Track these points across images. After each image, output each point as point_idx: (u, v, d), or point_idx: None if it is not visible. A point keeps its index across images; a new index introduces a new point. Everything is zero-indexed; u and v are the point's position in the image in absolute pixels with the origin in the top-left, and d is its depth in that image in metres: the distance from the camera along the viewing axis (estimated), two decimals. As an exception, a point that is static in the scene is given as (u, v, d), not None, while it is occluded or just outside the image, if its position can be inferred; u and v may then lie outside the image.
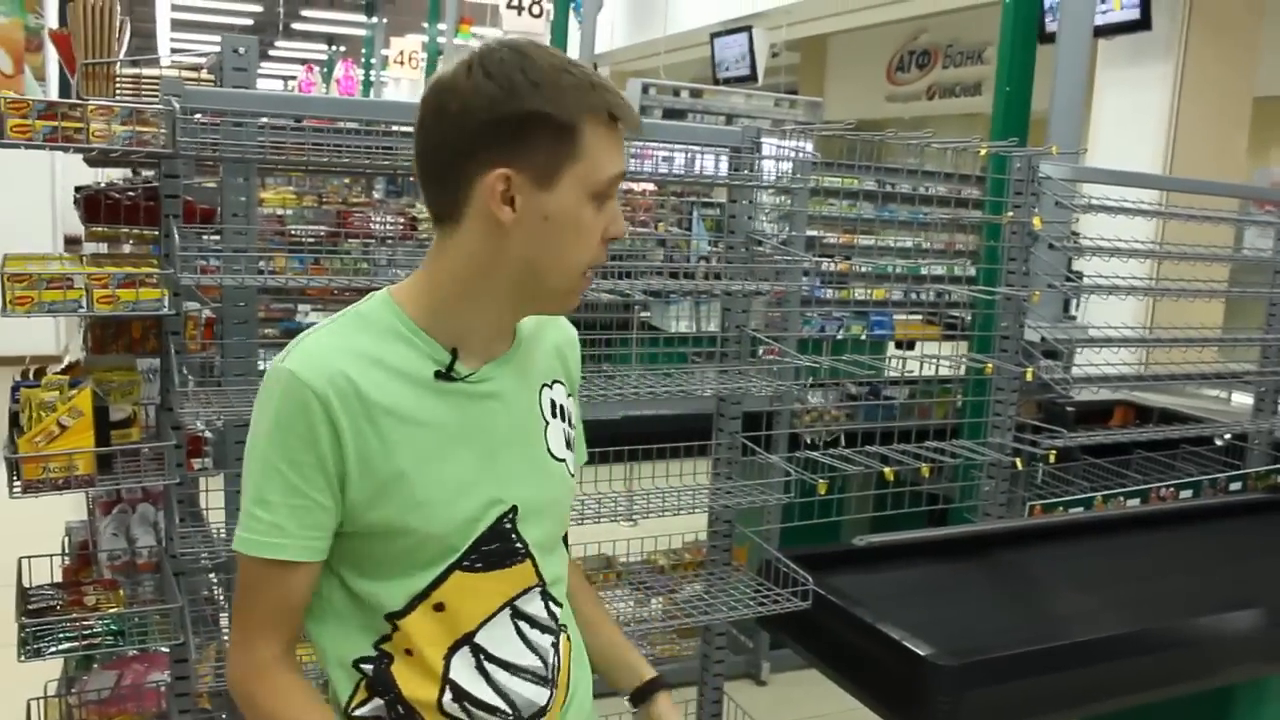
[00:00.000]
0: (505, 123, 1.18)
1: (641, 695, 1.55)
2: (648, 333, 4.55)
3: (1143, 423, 4.05)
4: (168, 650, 2.40)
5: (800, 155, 3.32)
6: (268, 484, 1.20)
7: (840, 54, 15.44)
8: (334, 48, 25.34)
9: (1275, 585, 2.55)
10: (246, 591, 1.26)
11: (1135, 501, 3.44)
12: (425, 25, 18.79)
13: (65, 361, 2.70)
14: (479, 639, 1.30)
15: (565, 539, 1.47)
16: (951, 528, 2.99)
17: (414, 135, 1.24)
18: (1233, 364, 4.17)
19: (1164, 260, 4.66)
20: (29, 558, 2.50)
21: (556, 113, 1.18)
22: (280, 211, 4.69)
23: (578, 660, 1.45)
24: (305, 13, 21.69)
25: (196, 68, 2.94)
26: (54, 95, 4.18)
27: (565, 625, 1.41)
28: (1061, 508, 3.19)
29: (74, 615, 2.28)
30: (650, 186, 5.76)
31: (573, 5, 13.29)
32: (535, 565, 1.34)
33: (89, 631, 2.26)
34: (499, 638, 1.31)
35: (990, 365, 3.15)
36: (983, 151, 3.23)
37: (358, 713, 1.30)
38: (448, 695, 1.28)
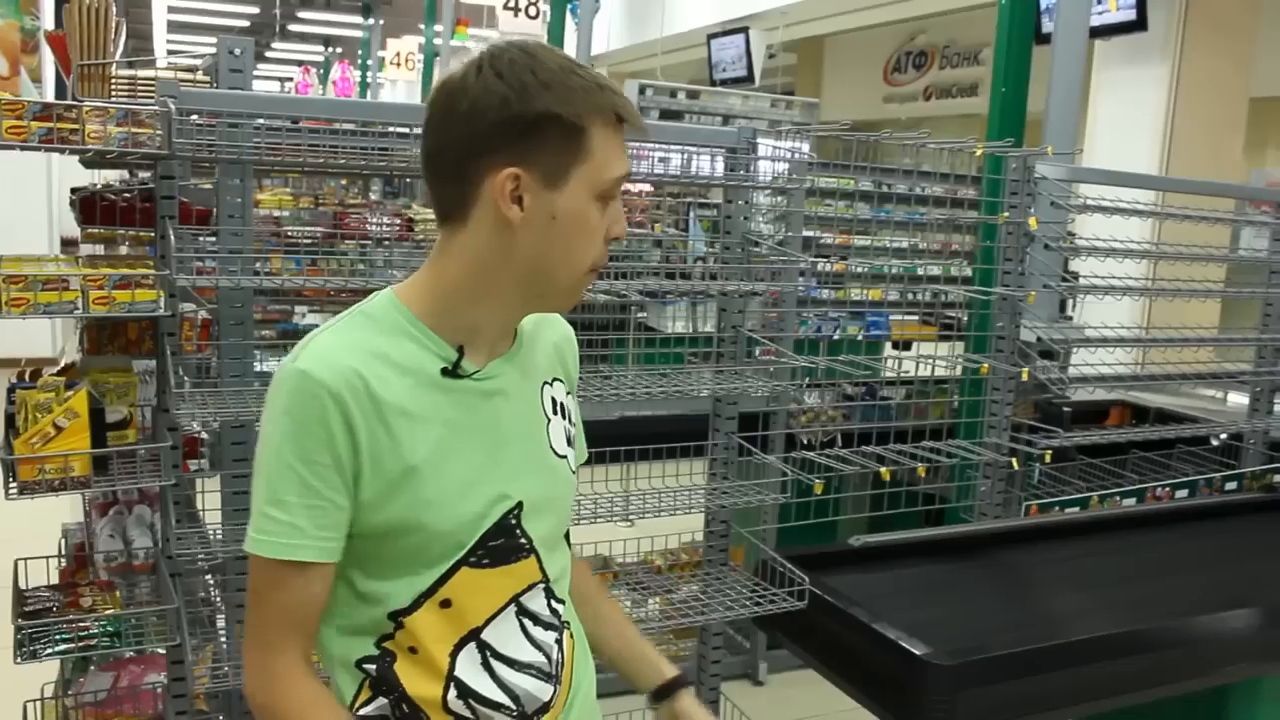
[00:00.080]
0: (516, 122, 1.19)
1: (663, 693, 1.56)
2: (644, 333, 4.55)
3: (1139, 423, 4.06)
4: (164, 652, 2.40)
5: (796, 156, 3.33)
6: (283, 484, 1.19)
7: (837, 55, 15.44)
8: (330, 49, 25.33)
9: (1270, 585, 2.56)
10: (261, 596, 1.24)
11: (1131, 501, 3.44)
12: (422, 27, 18.79)
13: (61, 363, 2.70)
14: (485, 635, 1.30)
15: (568, 537, 1.48)
16: (948, 528, 2.99)
17: (422, 133, 1.25)
18: (1228, 364, 4.18)
19: (1159, 260, 4.66)
20: (25, 559, 2.50)
21: (566, 114, 1.20)
22: (277, 213, 4.69)
23: (581, 657, 1.45)
24: (302, 14, 21.67)
25: (192, 69, 2.94)
26: (50, 97, 4.18)
27: (568, 622, 1.41)
28: (1058, 507, 3.19)
29: (70, 617, 2.28)
30: (647, 187, 5.76)
31: (569, 7, 13.30)
32: (539, 561, 1.34)
33: (85, 633, 2.25)
34: (504, 634, 1.31)
35: (986, 365, 3.15)
36: (978, 152, 3.23)
37: (362, 712, 1.29)
38: (453, 692, 1.28)
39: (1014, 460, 3.11)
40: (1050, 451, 3.17)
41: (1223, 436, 3.90)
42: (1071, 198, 3.36)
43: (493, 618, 1.31)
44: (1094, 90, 7.64)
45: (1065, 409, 3.65)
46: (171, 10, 17.66)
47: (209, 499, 2.63)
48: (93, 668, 2.64)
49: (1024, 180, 3.19)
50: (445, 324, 1.27)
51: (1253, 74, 7.61)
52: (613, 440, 2.76)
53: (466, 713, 1.29)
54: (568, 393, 1.46)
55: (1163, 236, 4.96)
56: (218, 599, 2.72)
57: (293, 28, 22.90)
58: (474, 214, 1.23)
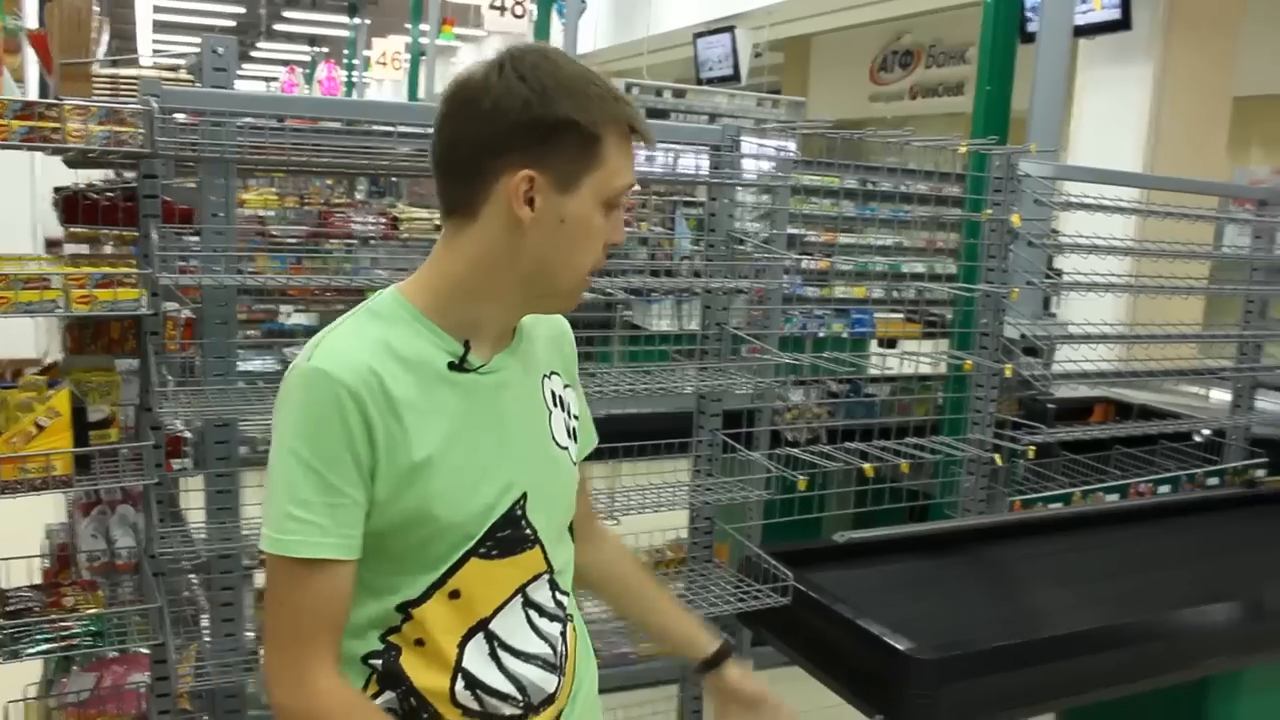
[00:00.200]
0: (537, 126, 1.22)
1: (710, 665, 1.60)
2: (630, 331, 4.56)
3: (1123, 419, 4.08)
4: (148, 651, 2.39)
5: (781, 154, 3.33)
6: (304, 483, 1.20)
7: (824, 54, 15.46)
8: (316, 48, 25.26)
9: (1250, 580, 2.58)
10: (285, 598, 1.23)
11: (1114, 497, 3.46)
12: (408, 26, 18.75)
13: (44, 363, 2.69)
14: (493, 626, 1.32)
15: (571, 531, 1.49)
16: (931, 523, 3.00)
17: (436, 127, 1.27)
18: (1211, 360, 4.20)
19: (1142, 257, 4.68)
20: (7, 559, 2.49)
21: (584, 121, 1.23)
22: (262, 213, 4.67)
23: (583, 651, 1.48)
24: (288, 14, 21.61)
25: (175, 68, 2.94)
26: (34, 97, 4.16)
27: (572, 615, 1.44)
28: (1041, 503, 3.21)
29: (52, 616, 2.28)
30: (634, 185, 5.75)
31: (556, 6, 13.29)
32: (544, 552, 1.37)
33: (67, 633, 2.25)
34: (511, 625, 1.33)
35: (969, 362, 3.16)
36: (962, 149, 3.24)
37: None
38: (460, 683, 1.30)
39: (997, 456, 3.12)
40: (1034, 448, 3.18)
41: (1205, 432, 3.92)
42: (1055, 195, 3.37)
43: (500, 608, 1.33)
44: (1079, 89, 7.66)
45: (1050, 406, 3.67)
46: (157, 10, 17.57)
47: (193, 498, 2.62)
48: (75, 668, 2.63)
49: (1007, 178, 3.21)
50: (450, 319, 1.29)
51: (1236, 73, 7.64)
52: (598, 438, 2.76)
53: (474, 704, 1.31)
54: (566, 385, 1.48)
55: (1146, 234, 4.97)
56: (202, 598, 2.71)
57: (278, 27, 22.83)
58: (484, 211, 1.26)
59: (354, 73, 23.11)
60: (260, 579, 3.34)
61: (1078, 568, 2.66)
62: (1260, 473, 3.77)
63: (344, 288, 2.73)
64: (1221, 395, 4.16)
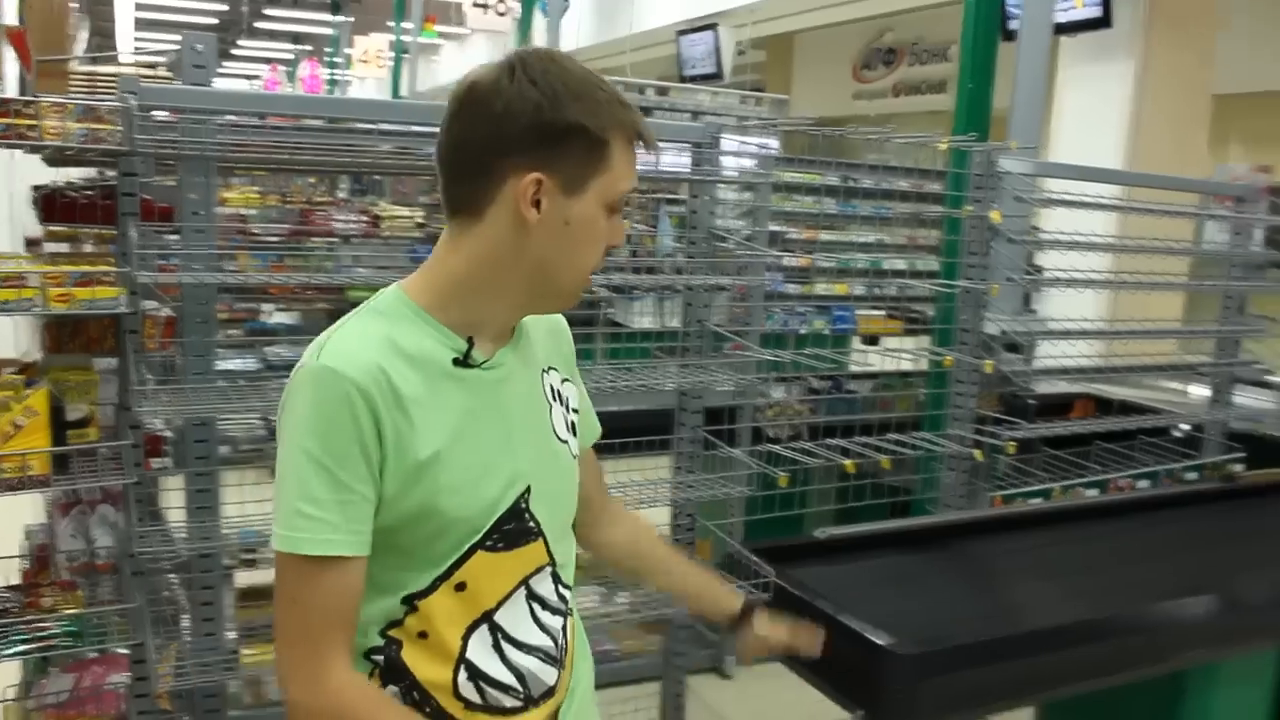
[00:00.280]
0: (547, 129, 1.24)
1: (739, 621, 1.69)
2: (612, 329, 4.56)
3: (1103, 414, 4.10)
4: (127, 652, 2.38)
5: (763, 151, 3.34)
6: (315, 481, 1.21)
7: (807, 52, 15.49)
8: (299, 46, 25.18)
9: (1227, 574, 2.59)
10: (298, 596, 1.24)
11: (1094, 492, 3.48)
12: (390, 24, 18.71)
13: (21, 362, 2.67)
14: (497, 617, 1.34)
15: (573, 525, 1.52)
16: (912, 519, 3.01)
17: (444, 127, 1.28)
18: (1189, 356, 4.23)
19: (1123, 254, 4.71)
20: (-14, 560, 2.48)
21: (593, 126, 1.25)
22: (244, 211, 4.65)
23: (580, 646, 1.51)
24: (270, 11, 21.53)
25: (154, 65, 2.93)
26: (11, 94, 4.13)
27: (572, 609, 1.46)
28: (1021, 498, 3.22)
29: (30, 617, 2.26)
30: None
31: (539, 4, 13.27)
32: (546, 544, 1.39)
33: (45, 633, 2.24)
34: (514, 617, 1.35)
35: (949, 358, 3.17)
36: (943, 146, 3.25)
37: None
38: (463, 675, 1.31)
39: (976, 452, 3.13)
40: (1014, 443, 3.19)
41: (1184, 427, 3.94)
42: (1036, 192, 3.39)
43: (504, 600, 1.34)
44: (1060, 86, 7.70)
45: (1030, 402, 3.68)
46: (139, 7, 17.46)
47: (173, 497, 2.61)
48: (54, 669, 2.62)
49: (988, 174, 3.22)
50: (453, 317, 1.31)
51: (1216, 71, 7.68)
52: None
53: (475, 696, 1.32)
54: (565, 379, 1.50)
55: (1128, 230, 4.99)
56: (182, 598, 2.70)
57: (261, 25, 22.75)
58: (490, 211, 1.27)
59: (336, 70, 23.04)
60: (241, 578, 3.34)
61: (1057, 562, 2.66)
62: (1238, 467, 3.80)
63: (325, 286, 2.73)
64: (1200, 391, 4.18)
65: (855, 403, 3.80)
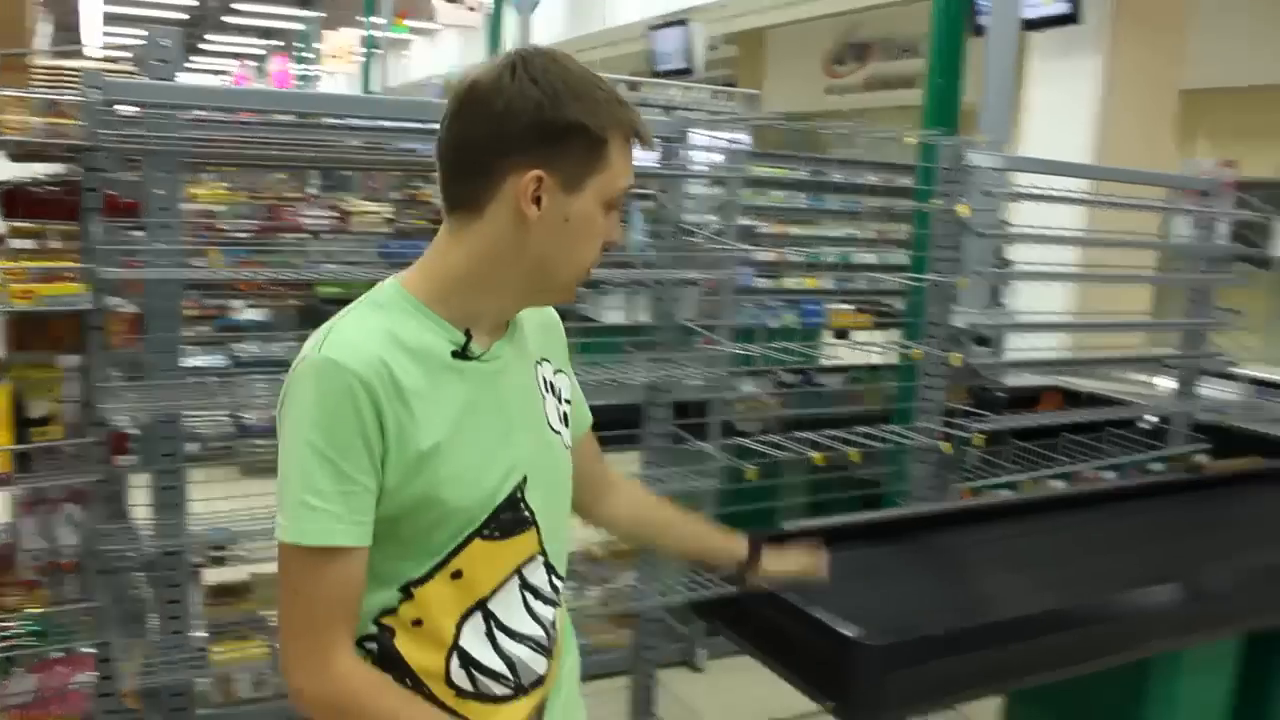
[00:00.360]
0: (549, 128, 1.26)
1: (749, 563, 1.77)
2: (581, 323, 4.55)
3: (1071, 407, 4.13)
4: (92, 651, 2.36)
5: (733, 146, 3.34)
6: (319, 473, 1.22)
7: (778, 47, 15.50)
8: (269, 41, 25.00)
9: (1191, 563, 2.62)
10: (301, 587, 1.26)
11: (1061, 483, 3.51)
12: (360, 19, 18.61)
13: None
14: (491, 605, 1.36)
15: (579, 504, 1.58)
16: (881, 511, 3.02)
17: (444, 125, 1.30)
18: (1157, 349, 4.26)
19: (1091, 247, 4.74)
20: (-52, 560, 2.45)
21: (593, 125, 1.28)
22: (213, 207, 4.61)
23: (568, 637, 1.53)
24: (240, 6, 21.36)
25: (119, 59, 2.90)
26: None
27: (562, 601, 1.48)
28: (989, 490, 3.24)
29: (-7, 617, 2.24)
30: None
31: (511, -1, 13.24)
32: (539, 534, 1.40)
33: (8, 633, 2.22)
34: (507, 605, 1.38)
35: (918, 351, 3.19)
36: (910, 140, 3.27)
37: None
38: (455, 662, 1.34)
39: (943, 445, 3.15)
40: (983, 436, 3.21)
41: (1150, 419, 3.97)
42: (1006, 186, 3.40)
43: (498, 589, 1.37)
44: (1030, 81, 7.74)
45: (1000, 394, 3.70)
46: (108, 1, 17.33)
47: (139, 495, 2.59)
48: (19, 670, 2.59)
49: (956, 169, 3.23)
50: (452, 310, 1.33)
51: (1183, 67, 7.74)
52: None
53: (467, 684, 1.35)
54: (557, 370, 1.52)
55: (1097, 225, 5.04)
56: (149, 596, 2.68)
57: (231, 20, 22.57)
58: (490, 207, 1.29)
59: (307, 66, 22.89)
60: (210, 576, 3.33)
61: (1025, 553, 2.68)
62: (1202, 458, 3.84)
63: (293, 281, 2.71)
64: (1167, 383, 4.22)
65: (825, 396, 3.81)
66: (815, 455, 2.94)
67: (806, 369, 4.03)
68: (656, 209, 2.89)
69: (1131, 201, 3.77)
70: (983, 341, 3.46)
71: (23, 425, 2.26)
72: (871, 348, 3.36)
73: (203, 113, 2.84)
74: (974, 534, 2.76)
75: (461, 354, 1.32)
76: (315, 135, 3.23)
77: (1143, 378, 4.50)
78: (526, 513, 1.38)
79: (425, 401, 1.27)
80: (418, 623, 1.32)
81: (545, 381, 1.48)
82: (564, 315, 1.61)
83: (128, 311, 2.58)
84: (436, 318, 1.32)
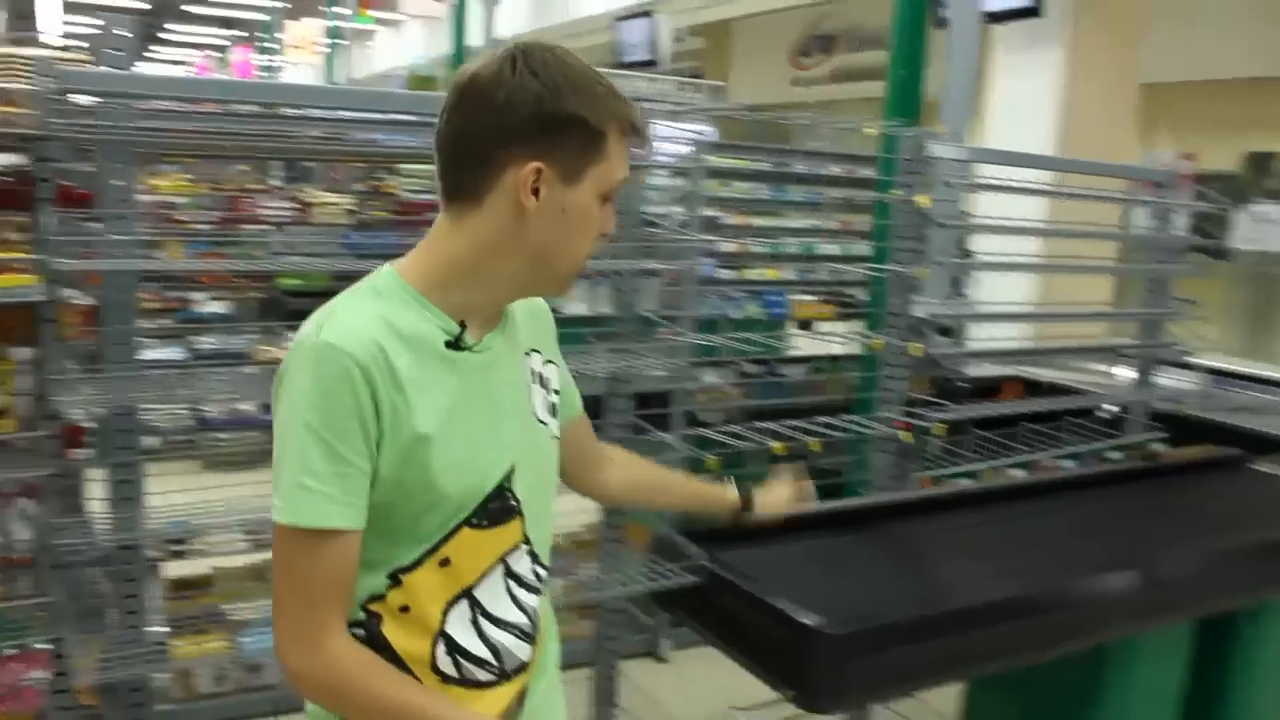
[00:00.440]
0: (549, 120, 1.28)
1: (743, 508, 1.94)
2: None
3: (1032, 397, 4.16)
4: (47, 647, 2.34)
5: (696, 137, 3.35)
6: (315, 454, 1.24)
7: (745, 39, 15.53)
8: (231, 31, 24.76)
9: (1147, 550, 2.65)
10: (296, 568, 1.27)
11: (1021, 472, 3.54)
12: (324, 9, 18.46)
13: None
14: (476, 592, 1.39)
15: (577, 480, 1.70)
16: (842, 501, 3.03)
17: (444, 116, 1.32)
18: (1115, 339, 4.31)
19: (1052, 238, 4.78)
20: (-101, 556, 2.42)
21: (591, 118, 1.30)
22: (174, 199, 4.57)
23: (548, 625, 1.56)
24: (203, -5, 21.16)
25: (75, 48, 2.86)
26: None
27: (545, 589, 1.51)
28: (949, 479, 3.27)
29: (-56, 613, 2.21)
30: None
31: (476, -11, 13.17)
32: (523, 523, 1.43)
33: (-41, 629, 2.19)
34: (492, 593, 1.40)
35: (878, 341, 3.21)
36: (870, 131, 3.28)
37: None
38: (441, 648, 1.36)
39: (903, 434, 3.17)
40: (943, 425, 3.23)
41: (1109, 408, 4.02)
42: (968, 177, 3.42)
43: (483, 576, 1.39)
44: (993, 74, 7.79)
45: (961, 384, 3.73)
46: (70, -10, 17.10)
47: (95, 489, 2.56)
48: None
49: (917, 160, 3.24)
50: (447, 300, 1.35)
51: (1145, 60, 7.82)
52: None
53: (452, 670, 1.37)
54: (546, 361, 1.56)
55: (1061, 215, 5.07)
56: (106, 591, 2.65)
57: (192, 9, 22.32)
58: (489, 198, 1.31)
59: (270, 57, 22.69)
60: (169, 570, 3.30)
61: (984, 541, 2.70)
62: (1159, 446, 3.89)
63: (253, 273, 2.68)
64: (1125, 372, 4.27)
65: (787, 387, 3.82)
66: (776, 445, 2.95)
67: (769, 359, 4.04)
68: (619, 200, 2.89)
69: (1091, 193, 3.80)
70: (945, 332, 3.48)
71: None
72: (834, 338, 3.37)
73: (163, 103, 2.81)
74: (934, 523, 2.78)
75: (455, 344, 1.34)
76: (277, 126, 3.20)
77: (1102, 367, 4.55)
78: (513, 502, 1.40)
79: (419, 388, 1.29)
80: (405, 609, 1.34)
81: (534, 373, 1.50)
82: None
83: (83, 303, 2.55)
84: (432, 307, 1.34)
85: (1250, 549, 2.69)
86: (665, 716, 3.61)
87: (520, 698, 1.46)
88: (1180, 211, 4.03)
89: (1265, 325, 9.51)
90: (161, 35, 25.42)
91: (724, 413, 3.76)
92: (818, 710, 2.07)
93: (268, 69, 22.75)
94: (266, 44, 22.89)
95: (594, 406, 2.90)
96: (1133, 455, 3.81)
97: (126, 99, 2.38)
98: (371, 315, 1.29)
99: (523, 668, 1.45)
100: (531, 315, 1.53)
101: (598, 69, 1.35)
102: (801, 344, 4.91)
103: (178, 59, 28.79)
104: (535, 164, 1.29)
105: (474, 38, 12.75)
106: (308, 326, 1.29)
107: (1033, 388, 4.30)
